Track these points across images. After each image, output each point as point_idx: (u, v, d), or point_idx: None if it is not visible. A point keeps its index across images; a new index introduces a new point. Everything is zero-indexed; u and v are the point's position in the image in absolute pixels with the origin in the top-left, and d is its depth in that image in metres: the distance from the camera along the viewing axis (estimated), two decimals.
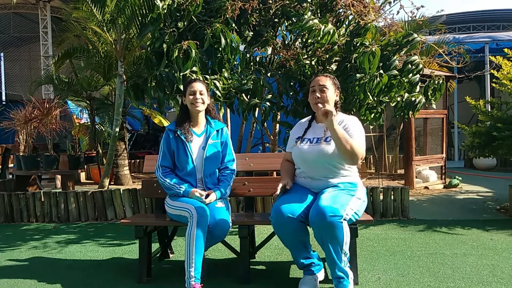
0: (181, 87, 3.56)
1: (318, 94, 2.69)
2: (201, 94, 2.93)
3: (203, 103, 2.95)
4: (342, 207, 2.50)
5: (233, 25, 3.83)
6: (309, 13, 3.90)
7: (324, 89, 2.69)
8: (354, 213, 2.60)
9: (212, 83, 3.66)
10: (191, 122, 3.00)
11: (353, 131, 2.67)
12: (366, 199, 2.78)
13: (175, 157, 2.97)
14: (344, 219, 2.49)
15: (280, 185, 2.70)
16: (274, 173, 4.51)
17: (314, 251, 2.80)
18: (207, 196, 2.84)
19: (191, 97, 2.92)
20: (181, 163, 2.95)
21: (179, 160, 2.95)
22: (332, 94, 2.72)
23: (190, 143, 2.93)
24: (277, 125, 5.02)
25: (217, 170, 3.03)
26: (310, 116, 2.90)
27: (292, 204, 2.62)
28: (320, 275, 2.77)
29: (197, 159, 2.94)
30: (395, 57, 3.90)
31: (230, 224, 2.81)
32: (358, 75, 3.72)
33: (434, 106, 4.46)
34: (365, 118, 4.09)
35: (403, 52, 3.99)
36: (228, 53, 3.68)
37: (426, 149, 6.95)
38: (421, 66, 3.94)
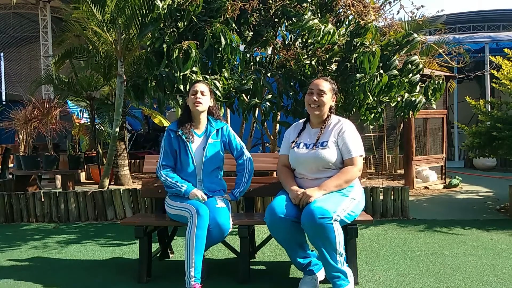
0: (181, 87, 3.56)
1: (315, 97, 2.74)
2: (202, 94, 2.94)
3: (204, 103, 2.95)
4: (332, 208, 2.50)
5: (233, 25, 3.83)
6: (309, 13, 3.90)
7: (322, 93, 2.74)
8: (348, 214, 2.60)
9: (212, 83, 3.66)
10: (192, 122, 3.01)
11: (348, 138, 2.71)
12: (363, 199, 2.78)
13: (177, 157, 2.98)
14: (335, 220, 2.49)
15: (298, 193, 2.63)
16: (274, 173, 4.50)
17: (312, 251, 2.80)
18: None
19: (192, 96, 2.95)
20: (182, 163, 2.96)
21: (180, 160, 2.96)
22: (328, 99, 2.77)
23: (191, 143, 2.94)
24: (277, 125, 5.02)
25: (217, 169, 3.04)
26: (305, 119, 2.93)
27: (285, 204, 2.63)
28: (320, 275, 2.76)
29: (197, 160, 2.95)
30: (395, 57, 3.90)
31: (231, 225, 2.81)
32: (358, 75, 3.72)
33: (434, 106, 4.46)
34: (365, 118, 4.09)
35: (403, 52, 3.99)
36: (228, 53, 3.68)
37: (426, 149, 6.95)
38: (421, 66, 3.94)
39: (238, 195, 3.01)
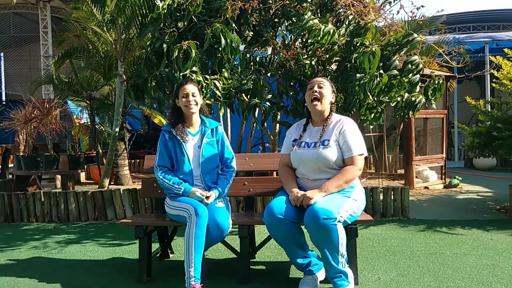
0: None
1: (316, 89, 2.76)
2: (193, 96, 2.95)
3: (197, 104, 2.98)
4: (336, 209, 2.49)
5: (233, 25, 3.83)
6: (309, 13, 3.90)
7: (322, 85, 2.78)
8: (350, 215, 2.60)
9: (212, 83, 3.66)
10: (185, 123, 3.02)
11: (349, 136, 2.71)
12: (363, 200, 2.79)
13: (174, 157, 2.98)
14: (339, 221, 2.49)
15: (298, 195, 2.62)
16: (274, 173, 4.51)
17: (312, 251, 2.80)
18: (207, 197, 2.84)
19: (183, 99, 2.94)
20: (178, 163, 2.96)
21: (176, 160, 2.97)
22: (328, 92, 2.79)
23: (186, 143, 2.95)
24: (277, 125, 5.02)
25: (216, 168, 3.04)
26: (306, 120, 2.93)
27: (284, 204, 2.63)
28: (320, 275, 2.76)
29: (194, 158, 2.96)
30: (395, 57, 3.90)
31: (230, 225, 2.82)
32: (358, 75, 3.72)
33: (434, 106, 4.47)
34: (365, 118, 4.09)
35: (403, 52, 3.99)
36: (228, 53, 3.69)
37: (426, 149, 6.95)
38: (421, 66, 3.94)
39: (223, 192, 2.98)
